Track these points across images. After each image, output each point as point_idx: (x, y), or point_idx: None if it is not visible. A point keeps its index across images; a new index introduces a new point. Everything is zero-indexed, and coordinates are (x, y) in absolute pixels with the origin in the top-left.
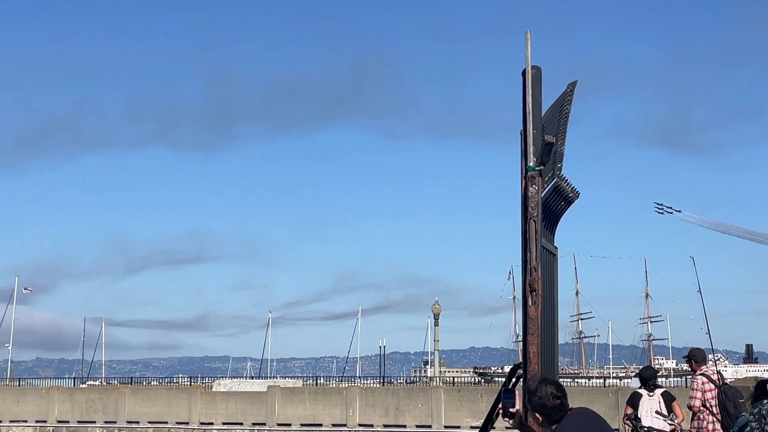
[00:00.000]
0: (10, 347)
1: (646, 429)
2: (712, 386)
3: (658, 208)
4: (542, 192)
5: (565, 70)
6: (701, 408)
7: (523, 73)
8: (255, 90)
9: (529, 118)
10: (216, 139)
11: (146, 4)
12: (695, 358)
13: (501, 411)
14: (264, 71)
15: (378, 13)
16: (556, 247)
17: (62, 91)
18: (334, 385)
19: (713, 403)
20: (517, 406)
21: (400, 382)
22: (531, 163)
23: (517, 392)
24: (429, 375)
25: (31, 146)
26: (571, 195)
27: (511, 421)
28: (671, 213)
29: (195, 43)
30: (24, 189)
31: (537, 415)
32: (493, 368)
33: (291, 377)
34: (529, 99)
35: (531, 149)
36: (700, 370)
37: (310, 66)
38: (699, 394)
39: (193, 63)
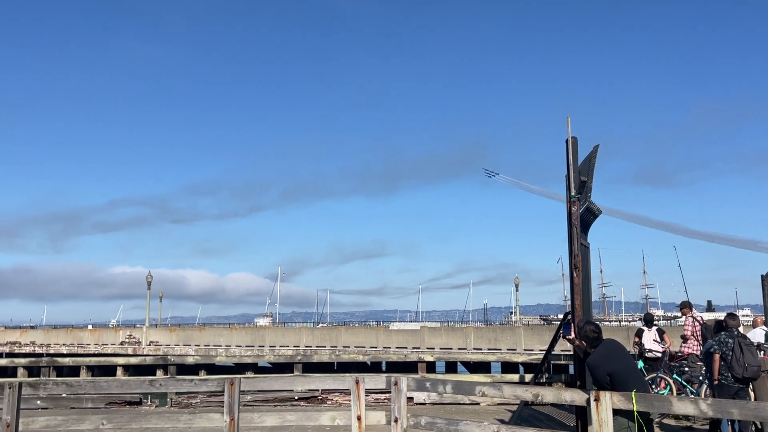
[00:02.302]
0: (277, 306)
1: (647, 350)
2: (697, 324)
3: (487, 173)
4: (579, 210)
5: (592, 135)
6: (690, 336)
7: (567, 141)
8: (410, 160)
9: (571, 168)
10: (389, 190)
11: (346, 113)
12: (687, 306)
13: (561, 335)
14: (415, 149)
15: (477, 109)
16: (588, 243)
17: (305, 165)
18: (458, 326)
19: (698, 334)
20: (572, 335)
21: (496, 324)
22: (573, 193)
23: (572, 326)
24: (513, 320)
25: (289, 197)
26: (597, 212)
27: (568, 342)
28: (495, 176)
29: (377, 134)
30: (286, 221)
31: (583, 342)
32: (551, 316)
33: (433, 321)
34: (570, 156)
35: (572, 185)
36: (689, 314)
37: (440, 144)
38: (689, 328)
39: (377, 146)
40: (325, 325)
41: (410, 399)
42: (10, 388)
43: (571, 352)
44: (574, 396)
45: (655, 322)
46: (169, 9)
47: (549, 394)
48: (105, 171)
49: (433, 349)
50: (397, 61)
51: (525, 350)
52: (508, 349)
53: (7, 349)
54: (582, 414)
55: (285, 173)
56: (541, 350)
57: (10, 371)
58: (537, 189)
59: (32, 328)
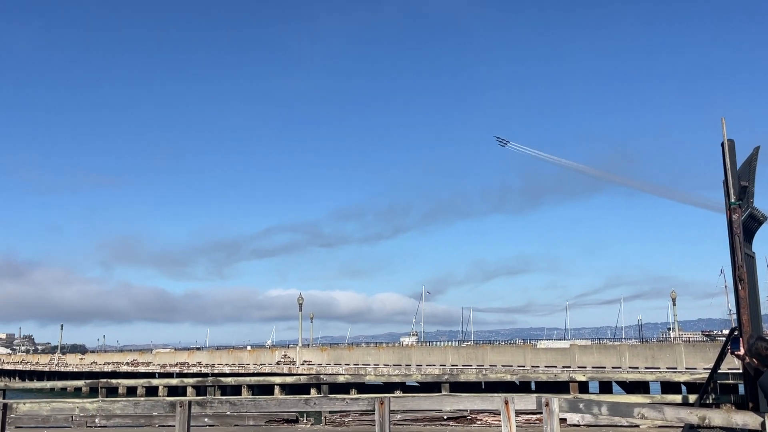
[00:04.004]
0: (422, 324)
1: None
2: None
3: (498, 142)
4: (741, 218)
5: (750, 136)
6: None
7: (722, 145)
8: (550, 176)
9: (729, 173)
10: (531, 206)
11: (483, 130)
12: None
13: (729, 351)
14: (554, 166)
15: (621, 118)
16: (754, 252)
17: (447, 186)
18: (611, 344)
19: None
20: (741, 351)
21: (653, 341)
22: (733, 200)
23: (740, 341)
24: (672, 336)
25: (430, 218)
26: (761, 218)
27: (737, 359)
28: (507, 144)
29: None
30: (429, 241)
31: (754, 359)
32: (714, 331)
33: (582, 339)
34: (728, 161)
35: (731, 191)
36: None
37: (581, 157)
38: None
39: (517, 165)
40: (470, 343)
41: (563, 420)
42: (181, 406)
43: (741, 371)
44: (746, 419)
45: None
46: (302, 36)
47: (717, 417)
48: (260, 200)
49: (585, 368)
50: (533, 69)
51: (687, 369)
52: (667, 368)
53: (177, 369)
54: None
55: (426, 194)
56: (705, 369)
57: (180, 390)
58: (564, 161)
59: (198, 349)
